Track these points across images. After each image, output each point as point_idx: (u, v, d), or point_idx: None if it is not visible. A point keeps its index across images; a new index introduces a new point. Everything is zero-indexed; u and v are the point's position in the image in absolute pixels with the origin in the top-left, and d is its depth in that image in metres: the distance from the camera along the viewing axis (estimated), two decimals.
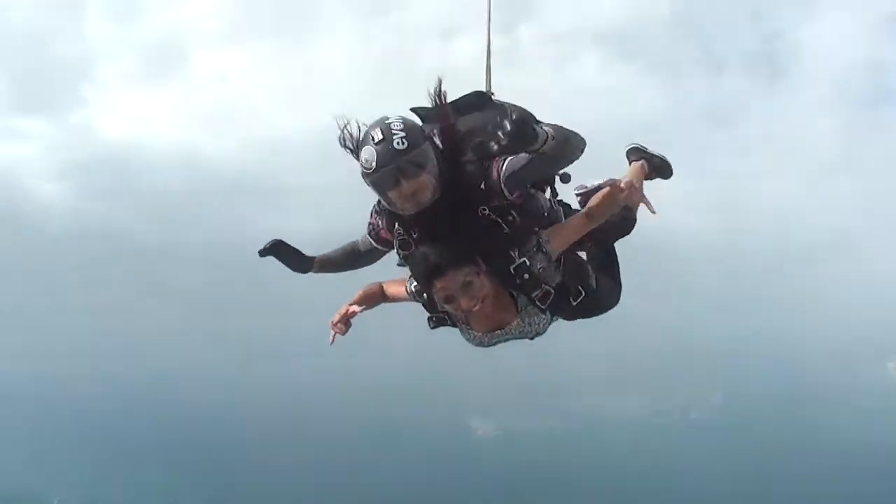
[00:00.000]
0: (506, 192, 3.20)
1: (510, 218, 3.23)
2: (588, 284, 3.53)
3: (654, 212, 3.30)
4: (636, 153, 4.37)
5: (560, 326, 3.82)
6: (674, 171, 4.49)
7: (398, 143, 3.07)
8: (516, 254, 3.19)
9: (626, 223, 3.83)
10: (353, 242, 3.94)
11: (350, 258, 3.97)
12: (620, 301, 3.90)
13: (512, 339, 3.52)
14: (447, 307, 3.27)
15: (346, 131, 3.19)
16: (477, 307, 3.15)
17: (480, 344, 3.55)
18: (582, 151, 3.29)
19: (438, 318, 3.52)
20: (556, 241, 3.30)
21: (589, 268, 3.70)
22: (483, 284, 3.13)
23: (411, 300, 3.62)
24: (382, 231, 3.60)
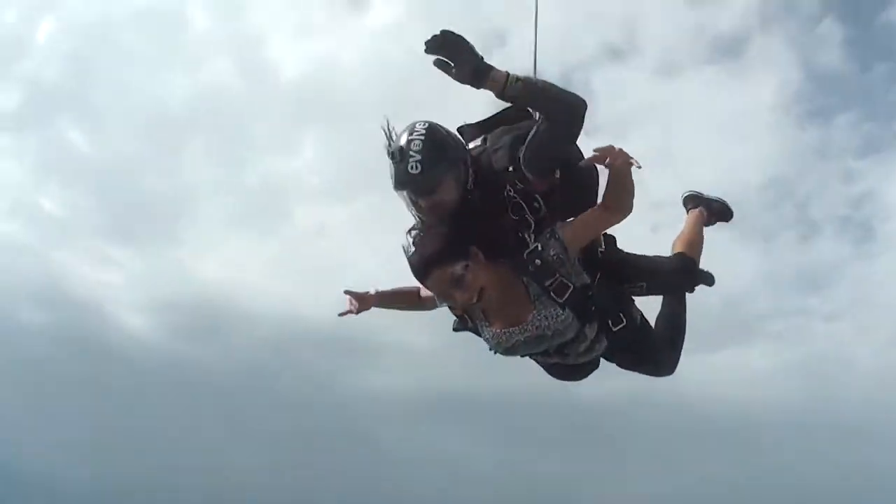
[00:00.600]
0: (526, 174, 3.14)
1: (535, 204, 3.15)
2: (630, 314, 3.30)
3: (639, 166, 3.09)
4: (692, 200, 4.36)
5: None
6: (734, 212, 4.40)
7: (412, 167, 3.09)
8: (531, 239, 3.06)
9: (684, 270, 3.69)
10: None
11: None
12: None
13: (532, 341, 3.22)
14: (447, 303, 3.22)
15: (389, 138, 3.19)
16: (475, 299, 3.02)
17: (499, 345, 3.30)
18: (577, 109, 3.07)
19: (460, 318, 3.39)
20: (569, 230, 3.13)
21: (633, 300, 3.49)
22: (477, 276, 2.98)
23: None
24: None
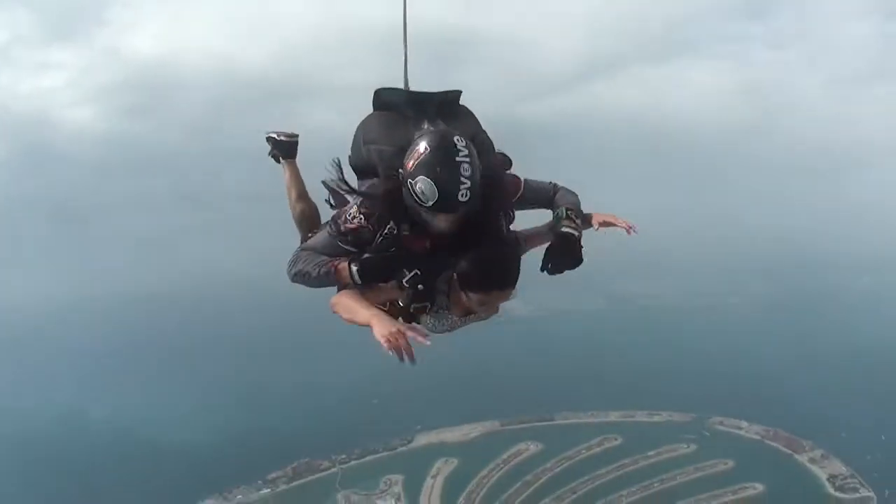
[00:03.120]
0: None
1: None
2: None
3: (636, 231, 4.80)
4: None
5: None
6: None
7: (463, 196, 3.39)
8: None
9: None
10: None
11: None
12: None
13: (474, 322, 4.37)
14: (477, 309, 4.17)
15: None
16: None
17: (445, 327, 4.37)
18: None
19: (419, 309, 4.21)
20: (529, 245, 4.51)
21: None
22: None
23: (385, 299, 4.29)
24: (356, 223, 4.16)
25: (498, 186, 3.95)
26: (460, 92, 4.31)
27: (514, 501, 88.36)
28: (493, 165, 4.10)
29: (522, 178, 4.51)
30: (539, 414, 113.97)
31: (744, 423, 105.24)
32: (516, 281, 3.96)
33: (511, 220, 4.27)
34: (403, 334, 3.69)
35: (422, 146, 3.58)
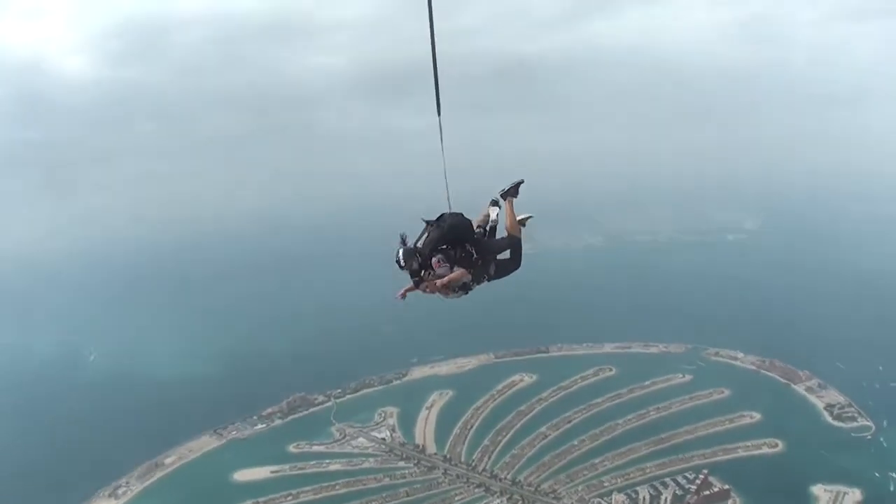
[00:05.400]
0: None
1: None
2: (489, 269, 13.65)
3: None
4: (503, 196, 13.69)
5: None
6: (522, 182, 13.79)
7: (400, 262, 12.59)
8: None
9: (516, 245, 13.74)
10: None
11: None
12: None
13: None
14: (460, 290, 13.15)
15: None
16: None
17: (480, 285, 13.14)
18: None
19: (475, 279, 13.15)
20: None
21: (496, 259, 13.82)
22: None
23: (445, 288, 12.90)
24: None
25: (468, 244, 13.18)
26: (447, 214, 12.99)
27: (509, 430, 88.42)
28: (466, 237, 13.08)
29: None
30: (534, 346, 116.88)
31: (739, 354, 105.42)
32: (507, 276, 13.48)
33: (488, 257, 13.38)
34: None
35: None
